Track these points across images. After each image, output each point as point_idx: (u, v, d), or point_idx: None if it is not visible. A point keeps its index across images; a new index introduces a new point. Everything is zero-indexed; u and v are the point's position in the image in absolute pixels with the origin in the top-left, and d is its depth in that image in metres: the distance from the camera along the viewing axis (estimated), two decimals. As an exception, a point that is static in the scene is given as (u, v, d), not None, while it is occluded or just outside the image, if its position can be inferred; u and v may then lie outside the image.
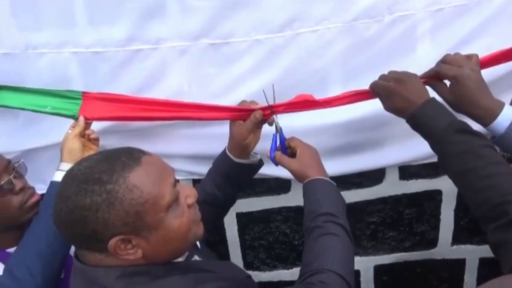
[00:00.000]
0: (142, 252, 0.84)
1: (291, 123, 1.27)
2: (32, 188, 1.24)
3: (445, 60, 1.09)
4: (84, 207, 0.78)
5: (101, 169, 0.81)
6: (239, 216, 1.77)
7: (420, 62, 1.34)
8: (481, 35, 1.34)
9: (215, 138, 1.36)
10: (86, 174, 0.81)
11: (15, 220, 1.19)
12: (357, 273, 1.88)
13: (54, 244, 1.15)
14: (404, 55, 1.36)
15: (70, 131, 1.26)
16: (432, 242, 1.86)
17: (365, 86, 1.16)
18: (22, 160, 1.26)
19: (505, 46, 1.18)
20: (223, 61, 1.36)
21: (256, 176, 1.33)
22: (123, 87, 1.36)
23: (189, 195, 0.90)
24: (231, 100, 1.35)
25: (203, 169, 1.35)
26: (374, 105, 1.18)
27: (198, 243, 1.05)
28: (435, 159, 1.04)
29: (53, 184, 1.21)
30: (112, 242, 0.80)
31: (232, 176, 1.25)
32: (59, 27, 1.30)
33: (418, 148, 1.47)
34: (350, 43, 1.35)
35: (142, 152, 0.86)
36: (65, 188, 0.82)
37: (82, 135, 1.27)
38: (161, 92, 1.37)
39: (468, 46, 1.33)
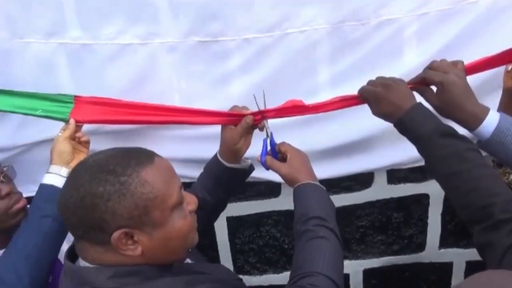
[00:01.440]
0: (141, 249, 0.85)
1: (281, 127, 1.29)
2: (19, 194, 1.23)
3: (431, 66, 1.11)
4: (96, 195, 0.80)
5: (116, 162, 0.83)
6: (230, 220, 1.78)
7: (406, 65, 1.38)
8: (467, 38, 1.37)
9: (205, 141, 1.37)
10: (101, 165, 0.83)
11: (0, 224, 1.18)
12: (347, 277, 1.89)
13: (42, 247, 1.14)
14: (391, 58, 1.39)
15: (60, 134, 1.25)
16: (420, 246, 1.88)
17: (353, 88, 1.18)
18: (11, 164, 1.25)
19: (490, 50, 1.20)
20: (212, 59, 1.37)
21: (247, 179, 1.34)
22: (111, 81, 1.36)
23: (190, 202, 0.93)
24: (220, 97, 1.36)
25: (193, 172, 1.36)
26: (362, 110, 1.20)
27: None
28: (422, 162, 1.07)
29: (42, 186, 1.20)
30: (116, 234, 0.81)
31: (223, 180, 1.26)
32: (47, 17, 1.29)
33: (406, 152, 1.50)
34: (337, 45, 1.37)
35: (155, 154, 0.90)
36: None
37: (73, 137, 1.26)
38: (150, 88, 1.37)
39: (453, 50, 1.36)
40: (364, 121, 1.37)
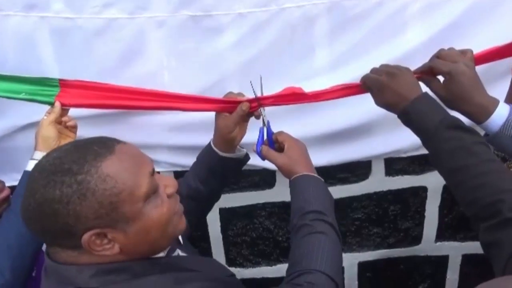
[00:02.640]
0: (119, 247, 0.79)
1: (276, 112, 1.24)
2: (2, 183, 1.17)
3: (439, 55, 1.06)
4: (54, 200, 0.73)
5: (71, 159, 0.76)
6: (222, 211, 1.74)
7: (409, 44, 1.33)
8: (473, 17, 1.32)
9: (198, 128, 1.31)
10: (55, 165, 0.75)
11: None
12: (341, 270, 1.86)
13: (25, 237, 1.09)
14: (393, 37, 1.34)
15: (45, 118, 1.19)
16: (416, 239, 1.86)
17: (353, 69, 1.14)
18: None
19: (496, 29, 1.15)
20: (204, 35, 1.31)
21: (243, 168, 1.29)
22: (97, 58, 1.30)
23: (168, 185, 0.85)
24: (212, 76, 1.31)
25: (185, 160, 1.31)
26: (361, 96, 1.15)
27: (180, 238, 1.00)
28: (423, 150, 1.02)
29: (26, 173, 1.15)
30: (86, 236, 0.75)
31: (217, 170, 1.21)
32: None
33: (405, 139, 1.47)
34: (336, 22, 1.32)
35: (116, 141, 0.81)
36: (33, 181, 0.76)
37: (59, 122, 1.20)
38: (138, 66, 1.32)
39: (459, 28, 1.32)
40: (362, 107, 1.34)
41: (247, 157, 1.25)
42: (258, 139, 1.17)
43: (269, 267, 1.86)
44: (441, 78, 1.05)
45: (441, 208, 1.79)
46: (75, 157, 0.76)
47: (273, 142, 1.16)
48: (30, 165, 1.15)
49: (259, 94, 1.17)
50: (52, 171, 0.75)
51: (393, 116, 1.05)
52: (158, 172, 0.87)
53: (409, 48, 1.33)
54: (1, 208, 1.14)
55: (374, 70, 1.09)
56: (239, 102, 1.16)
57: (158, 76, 1.34)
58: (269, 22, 1.30)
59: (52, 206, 0.73)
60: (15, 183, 1.19)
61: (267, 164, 1.21)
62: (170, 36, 1.30)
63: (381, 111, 1.08)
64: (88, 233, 0.75)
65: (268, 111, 1.19)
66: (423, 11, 1.33)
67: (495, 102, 0.99)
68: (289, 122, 1.21)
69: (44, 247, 1.04)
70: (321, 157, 1.47)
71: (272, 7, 1.28)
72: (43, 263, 0.86)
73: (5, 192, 1.16)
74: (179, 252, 0.97)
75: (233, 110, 1.16)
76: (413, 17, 1.33)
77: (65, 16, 1.24)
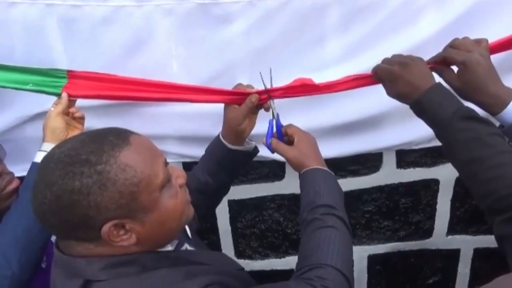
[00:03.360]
0: (136, 237, 0.79)
1: (286, 103, 1.22)
2: (11, 174, 1.17)
3: (453, 45, 1.03)
4: (73, 191, 0.72)
5: (88, 150, 0.75)
6: (231, 203, 1.73)
7: (423, 34, 1.30)
8: (490, 6, 1.28)
9: (208, 118, 1.30)
10: (71, 156, 0.75)
11: None
12: (351, 263, 1.85)
13: (33, 229, 1.08)
14: (406, 26, 1.30)
15: (52, 109, 1.19)
16: (427, 232, 1.84)
17: (364, 59, 1.12)
18: (0, 143, 1.19)
19: None
20: (212, 23, 1.29)
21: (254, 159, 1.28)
22: (105, 47, 1.28)
23: (178, 175, 0.86)
24: (220, 65, 1.29)
25: (194, 151, 1.29)
26: (372, 87, 1.13)
27: (188, 232, 1.00)
28: (435, 142, 1.00)
29: (34, 165, 1.14)
30: (106, 228, 0.75)
31: (226, 163, 1.20)
32: None
33: (415, 132, 1.44)
34: (348, 11, 1.29)
35: (130, 132, 0.82)
36: (48, 173, 0.75)
37: (66, 113, 1.20)
38: (146, 55, 1.30)
39: (475, 16, 1.28)
40: (373, 98, 1.31)
41: (256, 150, 1.24)
42: (267, 132, 1.15)
43: (278, 260, 1.85)
44: (455, 69, 1.03)
45: (453, 201, 1.77)
46: (92, 148, 0.75)
47: (283, 135, 1.14)
48: (38, 157, 1.15)
49: (268, 86, 1.15)
50: (69, 162, 0.74)
51: (404, 107, 1.03)
52: (167, 163, 0.87)
53: (422, 38, 1.30)
54: (11, 199, 1.14)
55: (386, 60, 1.07)
56: (248, 94, 1.14)
57: (166, 64, 1.33)
58: (279, 11, 1.27)
59: (71, 198, 0.73)
60: (25, 173, 1.18)
61: (277, 156, 1.20)
62: (178, 24, 1.28)
63: (392, 102, 1.06)
64: (107, 224, 0.75)
65: (277, 103, 1.17)
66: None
67: (511, 93, 0.96)
68: (298, 114, 1.19)
69: (53, 238, 1.04)
70: (331, 149, 1.45)
71: None
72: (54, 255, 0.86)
73: (15, 184, 1.15)
74: (187, 246, 0.97)
75: (242, 102, 1.15)
76: (427, 5, 1.30)
77: (72, 4, 1.23)
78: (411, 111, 1.02)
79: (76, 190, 0.73)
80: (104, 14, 1.25)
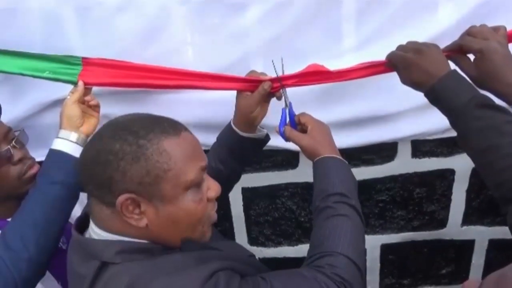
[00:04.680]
0: (146, 222, 0.81)
1: (299, 94, 1.22)
2: (32, 159, 1.19)
3: (469, 32, 1.01)
4: (111, 151, 0.78)
5: (141, 125, 0.81)
6: (245, 191, 1.73)
7: (440, 24, 1.27)
8: None
9: (223, 105, 1.30)
10: (127, 124, 0.82)
11: (13, 190, 1.15)
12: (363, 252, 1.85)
13: (50, 215, 1.11)
14: (424, 16, 1.28)
15: (69, 97, 1.20)
16: (442, 222, 1.82)
17: (381, 50, 1.09)
18: (23, 128, 1.21)
19: None
20: (227, 12, 1.29)
21: (265, 148, 1.28)
22: (121, 34, 1.29)
23: (212, 188, 0.88)
24: (236, 53, 1.29)
25: (210, 138, 1.29)
26: (386, 77, 1.12)
27: None
28: (450, 133, 0.98)
29: (51, 152, 1.16)
30: (122, 198, 0.78)
31: (237, 150, 1.20)
32: None
33: (430, 122, 1.42)
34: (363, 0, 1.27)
35: (185, 128, 0.86)
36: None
37: (82, 101, 1.21)
38: (161, 42, 1.31)
39: (495, 4, 1.25)
40: (387, 88, 1.31)
41: (267, 138, 1.24)
42: (280, 120, 1.15)
43: (291, 247, 1.85)
44: (471, 57, 1.01)
45: (469, 192, 1.74)
46: (146, 125, 0.82)
47: (296, 124, 1.14)
48: (56, 144, 1.17)
49: (280, 74, 1.15)
50: (122, 127, 0.81)
51: (418, 97, 1.01)
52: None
53: (440, 28, 1.27)
54: (30, 184, 1.16)
55: (400, 47, 1.06)
56: (261, 81, 1.14)
57: (181, 52, 1.33)
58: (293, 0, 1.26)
59: (107, 156, 0.78)
60: (43, 158, 1.19)
61: (289, 145, 1.20)
62: (193, 12, 1.29)
63: (406, 92, 1.05)
64: (124, 195, 0.79)
65: (290, 96, 1.17)
66: None
67: None
68: (312, 106, 1.18)
69: (72, 220, 1.06)
70: (345, 139, 1.44)
71: None
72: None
73: (35, 169, 1.18)
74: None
75: (255, 89, 1.15)
76: None
77: None
78: (425, 102, 1.00)
79: (114, 151, 0.78)
80: (120, 2, 1.26)
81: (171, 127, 0.83)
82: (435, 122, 1.40)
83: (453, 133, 0.99)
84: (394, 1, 1.28)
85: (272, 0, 1.27)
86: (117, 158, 0.78)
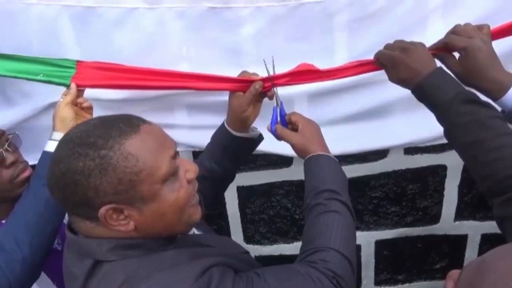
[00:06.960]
0: (134, 224, 0.81)
1: (291, 100, 1.24)
2: (25, 163, 1.20)
3: (454, 31, 1.03)
4: (76, 171, 0.76)
5: (97, 133, 0.78)
6: (240, 189, 1.76)
7: (430, 41, 1.29)
8: (497, 12, 1.26)
9: (217, 107, 1.31)
10: (82, 138, 0.78)
11: (4, 194, 1.16)
12: (358, 248, 1.87)
13: (43, 215, 1.11)
14: (414, 32, 1.29)
15: (61, 99, 1.21)
16: (435, 218, 1.85)
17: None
18: (16, 132, 1.22)
19: None
20: (223, 26, 1.31)
21: (255, 153, 1.30)
22: (118, 48, 1.31)
23: (189, 169, 0.86)
24: (230, 66, 1.30)
25: (204, 141, 1.31)
26: (377, 83, 1.13)
27: None
28: (442, 140, 1.00)
29: (45, 154, 1.17)
30: (103, 210, 0.77)
31: (231, 150, 1.22)
32: None
33: (425, 129, 1.41)
34: (356, 18, 1.29)
35: (142, 121, 0.83)
36: (59, 150, 0.79)
37: (75, 103, 1.22)
38: (158, 56, 1.32)
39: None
40: (379, 94, 1.32)
41: (260, 137, 1.26)
42: (272, 119, 1.17)
43: (286, 245, 1.88)
44: (456, 55, 1.03)
45: (461, 187, 1.77)
46: (101, 132, 0.78)
47: (287, 123, 1.16)
48: (49, 146, 1.17)
49: (271, 73, 1.17)
50: (78, 143, 0.77)
51: (411, 104, 1.02)
52: (178, 154, 0.87)
53: (429, 44, 1.29)
54: (23, 187, 1.17)
55: (388, 46, 1.08)
56: (253, 81, 1.16)
57: (177, 65, 1.33)
58: (287, 16, 1.28)
59: (74, 177, 0.76)
60: (37, 162, 1.20)
61: (281, 150, 1.21)
62: (189, 26, 1.30)
63: (398, 99, 1.06)
64: (105, 207, 0.77)
65: (281, 95, 1.19)
66: (445, 7, 1.28)
67: None
68: (303, 112, 1.20)
69: (65, 220, 1.08)
70: (334, 147, 1.45)
71: (291, 2, 1.26)
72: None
73: (27, 172, 1.19)
74: (194, 230, 1.00)
75: (247, 89, 1.17)
76: (434, 13, 1.29)
77: (86, 5, 1.25)
78: (416, 108, 1.02)
79: (79, 170, 0.76)
80: (117, 15, 1.27)
81: (128, 125, 0.79)
82: (426, 132, 1.41)
83: (445, 141, 1.01)
84: (386, 17, 1.30)
85: (265, 18, 1.29)
86: (84, 176, 0.75)
